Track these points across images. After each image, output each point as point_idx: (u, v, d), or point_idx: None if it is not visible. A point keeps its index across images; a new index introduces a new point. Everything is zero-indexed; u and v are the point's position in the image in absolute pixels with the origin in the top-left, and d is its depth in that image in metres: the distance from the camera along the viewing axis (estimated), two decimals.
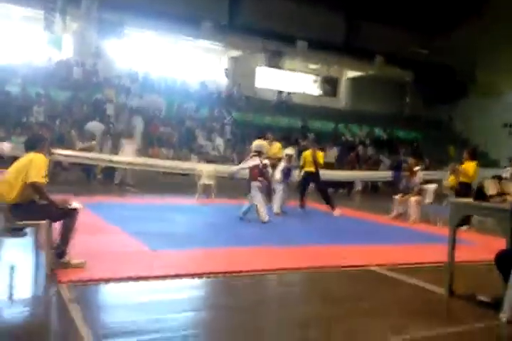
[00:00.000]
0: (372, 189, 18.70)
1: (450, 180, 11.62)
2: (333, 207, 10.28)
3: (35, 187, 4.51)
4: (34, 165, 4.52)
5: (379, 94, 26.67)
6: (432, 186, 10.66)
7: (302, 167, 10.51)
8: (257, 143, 8.89)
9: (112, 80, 18.97)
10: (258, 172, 8.40)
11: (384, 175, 17.95)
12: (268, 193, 9.10)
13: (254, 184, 8.39)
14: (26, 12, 18.49)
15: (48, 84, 16.92)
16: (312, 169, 10.29)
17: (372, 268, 5.60)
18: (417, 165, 10.78)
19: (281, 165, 9.82)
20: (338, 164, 18.62)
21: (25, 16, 18.69)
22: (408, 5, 23.84)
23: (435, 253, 5.99)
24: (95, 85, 18.27)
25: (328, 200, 10.41)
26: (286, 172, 9.81)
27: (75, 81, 17.95)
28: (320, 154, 11.47)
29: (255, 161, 8.49)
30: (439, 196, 10.82)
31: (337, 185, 17.67)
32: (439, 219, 9.65)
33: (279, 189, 9.64)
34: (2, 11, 18.33)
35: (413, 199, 9.88)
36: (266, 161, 8.66)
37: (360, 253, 6.37)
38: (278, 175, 9.71)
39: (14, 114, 14.81)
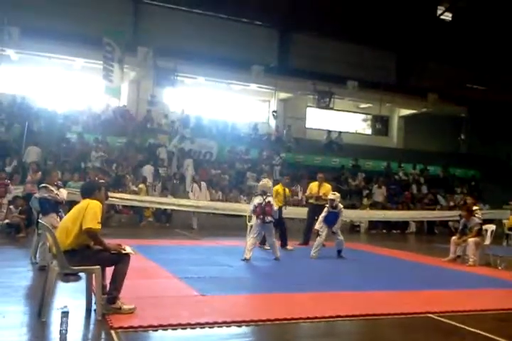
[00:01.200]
0: (428, 230, 18.08)
1: (511, 219, 11.15)
2: (285, 244, 10.47)
3: (90, 233, 4.63)
4: (89, 212, 4.66)
5: (433, 131, 26.23)
6: (491, 226, 10.15)
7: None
8: (262, 183, 9.14)
9: (165, 126, 19.64)
10: (260, 210, 8.56)
11: (440, 214, 17.40)
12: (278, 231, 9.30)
13: (256, 222, 8.69)
14: (86, 63, 19.61)
15: (106, 131, 17.71)
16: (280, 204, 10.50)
17: (430, 315, 5.32)
18: (476, 205, 10.40)
19: (325, 210, 9.73)
20: (391, 203, 18.27)
21: (84, 67, 19.82)
22: (460, 42, 23.76)
23: (497, 300, 5.68)
24: (149, 131, 18.95)
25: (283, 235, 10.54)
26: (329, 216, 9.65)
27: (131, 127, 18.68)
28: (327, 186, 11.62)
29: (258, 200, 8.68)
30: (499, 236, 10.33)
31: (390, 225, 17.30)
32: (500, 262, 9.18)
33: (321, 234, 9.58)
34: (64, 62, 19.54)
35: (472, 240, 9.44)
36: (269, 199, 8.73)
37: (416, 299, 6.10)
38: (319, 223, 9.69)
39: (73, 160, 15.49)
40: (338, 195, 9.87)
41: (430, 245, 14.10)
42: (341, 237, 9.54)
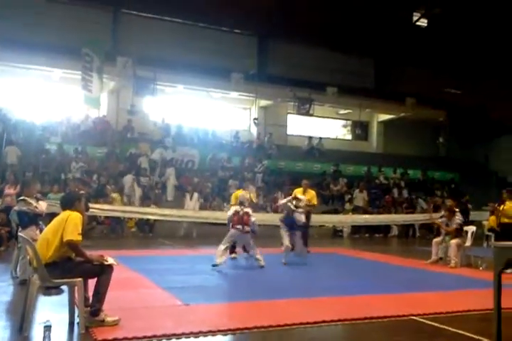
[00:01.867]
0: (411, 233, 18.23)
1: (490, 220, 11.32)
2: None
3: (71, 245, 4.59)
4: (70, 223, 4.62)
5: (412, 135, 26.54)
6: (472, 228, 10.28)
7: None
8: (240, 194, 9.24)
9: (145, 135, 19.56)
10: (237, 220, 8.56)
11: (421, 217, 17.58)
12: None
13: (230, 231, 8.69)
14: (65, 73, 19.45)
15: (85, 141, 17.56)
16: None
17: (412, 317, 5.37)
18: (456, 207, 10.53)
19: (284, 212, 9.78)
20: (372, 208, 18.43)
21: (63, 77, 19.66)
22: (436, 48, 24.17)
23: (479, 300, 5.74)
24: (130, 140, 18.86)
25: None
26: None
27: (111, 137, 18.56)
28: (311, 193, 11.64)
29: (235, 209, 8.75)
30: (479, 237, 10.47)
31: (373, 229, 17.44)
32: (480, 263, 9.31)
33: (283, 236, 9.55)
34: (42, 73, 19.36)
35: (453, 242, 9.54)
36: (247, 209, 8.70)
37: (399, 302, 6.16)
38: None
39: (52, 171, 15.34)
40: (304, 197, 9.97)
41: (412, 248, 14.23)
42: (301, 243, 9.54)
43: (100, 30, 20.72)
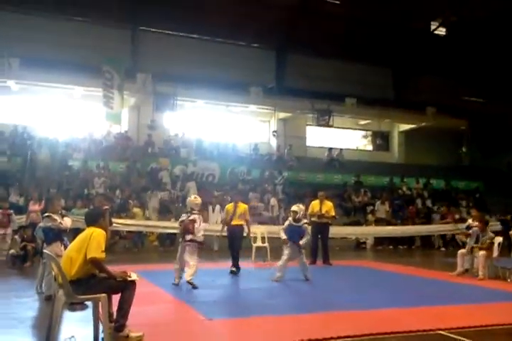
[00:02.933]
0: (433, 244, 17.91)
1: None
2: (237, 267, 9.58)
3: (94, 262, 4.64)
4: (93, 241, 4.67)
5: (433, 145, 26.25)
6: (498, 238, 10.00)
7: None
8: (188, 200, 8.48)
9: (166, 149, 19.74)
10: (181, 228, 8.01)
11: (445, 228, 17.29)
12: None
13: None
14: (86, 91, 19.82)
15: (107, 157, 17.80)
16: (237, 223, 9.70)
17: (440, 332, 5.25)
18: (483, 218, 10.31)
19: (286, 223, 8.93)
20: (396, 219, 18.17)
21: (84, 95, 20.03)
22: (456, 56, 24.03)
23: (508, 314, 5.60)
24: (151, 155, 19.04)
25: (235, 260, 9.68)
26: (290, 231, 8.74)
27: (132, 152, 18.77)
28: (329, 204, 11.40)
29: (182, 217, 8.17)
30: (506, 247, 10.23)
31: (396, 240, 17.19)
32: (509, 274, 9.09)
33: (284, 251, 8.68)
34: (64, 91, 19.76)
35: (482, 253, 9.31)
36: (194, 216, 7.90)
37: (425, 315, 6.02)
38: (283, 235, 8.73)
39: (76, 187, 15.54)
40: (302, 207, 9.04)
41: (437, 259, 13.98)
42: (304, 259, 8.71)
43: (120, 47, 21.13)
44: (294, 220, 8.70)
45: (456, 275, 9.50)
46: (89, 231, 4.80)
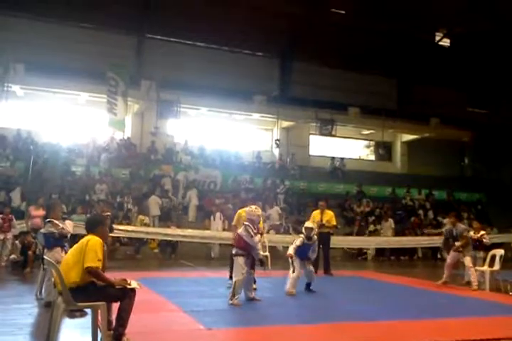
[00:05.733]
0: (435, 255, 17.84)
1: None
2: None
3: (90, 271, 4.62)
4: (89, 250, 4.66)
5: (436, 156, 26.21)
6: (500, 251, 9.99)
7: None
8: (247, 210, 7.82)
9: (169, 156, 19.78)
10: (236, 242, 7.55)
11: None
12: None
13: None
14: (90, 97, 19.92)
15: (110, 163, 17.83)
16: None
17: None
18: (483, 230, 10.31)
19: (299, 240, 8.39)
20: (400, 229, 18.04)
21: (89, 101, 20.14)
22: (460, 67, 24.10)
23: (508, 327, 5.56)
24: (154, 162, 19.08)
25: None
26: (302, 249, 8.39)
27: (135, 159, 18.81)
28: (329, 214, 11.42)
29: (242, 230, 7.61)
30: (508, 260, 10.19)
31: (397, 251, 17.13)
32: (510, 287, 9.04)
33: (295, 266, 8.33)
34: (69, 96, 19.86)
35: (468, 260, 9.34)
36: (245, 230, 7.35)
37: (423, 328, 5.99)
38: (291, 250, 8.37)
39: (78, 193, 15.55)
40: (315, 224, 8.74)
41: (438, 271, 13.89)
42: (311, 268, 8.55)
43: (125, 54, 21.26)
44: (307, 238, 8.36)
45: (439, 284, 9.53)
46: (86, 239, 4.78)
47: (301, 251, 8.33)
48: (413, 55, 24.51)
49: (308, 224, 8.71)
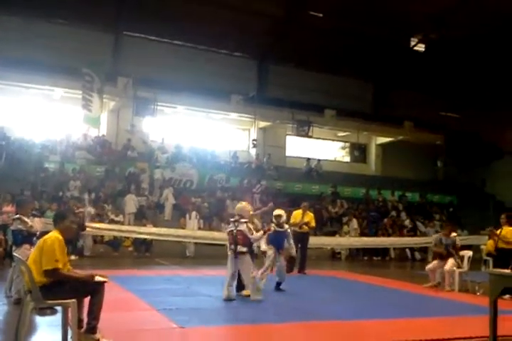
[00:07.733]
0: (410, 256, 18.15)
1: (488, 245, 11.28)
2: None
3: (49, 275, 4.56)
4: (46, 251, 4.59)
5: (410, 158, 26.59)
6: (468, 252, 10.16)
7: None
8: (238, 206, 7.86)
9: (145, 154, 19.63)
10: (231, 239, 7.54)
11: (420, 241, 17.54)
12: None
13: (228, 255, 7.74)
14: (66, 93, 19.62)
15: (84, 160, 17.60)
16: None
17: None
18: (454, 231, 10.49)
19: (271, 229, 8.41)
20: (370, 230, 18.32)
21: (63, 97, 19.82)
22: (434, 72, 24.50)
23: (476, 326, 5.69)
24: (129, 160, 18.90)
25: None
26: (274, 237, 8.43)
27: (110, 156, 18.61)
28: (310, 215, 11.62)
29: (230, 227, 7.69)
30: (477, 262, 10.40)
31: (370, 252, 17.38)
32: (478, 288, 9.24)
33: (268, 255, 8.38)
34: (43, 92, 19.53)
35: (449, 264, 9.46)
36: (242, 226, 7.42)
37: (394, 327, 6.09)
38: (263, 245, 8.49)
39: (51, 190, 15.33)
40: (283, 212, 8.79)
41: (410, 271, 14.14)
42: (283, 266, 8.52)
43: (101, 50, 20.98)
44: (278, 225, 8.43)
45: (428, 287, 9.63)
46: (43, 239, 4.71)
47: (275, 240, 8.35)
48: (389, 59, 24.83)
49: (277, 211, 8.73)
